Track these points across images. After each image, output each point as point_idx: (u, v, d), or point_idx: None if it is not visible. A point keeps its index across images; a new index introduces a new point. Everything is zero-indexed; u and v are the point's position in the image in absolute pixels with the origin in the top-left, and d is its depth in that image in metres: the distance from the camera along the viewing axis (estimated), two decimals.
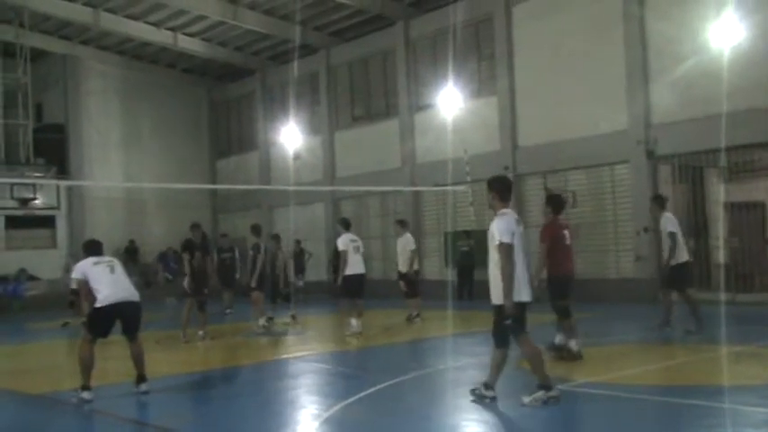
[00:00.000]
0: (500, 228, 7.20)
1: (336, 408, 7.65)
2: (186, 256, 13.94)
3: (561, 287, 9.88)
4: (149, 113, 30.31)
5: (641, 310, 16.64)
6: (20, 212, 26.83)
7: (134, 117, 29.91)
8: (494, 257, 7.27)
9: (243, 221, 29.29)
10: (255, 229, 16.14)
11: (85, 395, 8.39)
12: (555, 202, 10.33)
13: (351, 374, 10.25)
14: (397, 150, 24.26)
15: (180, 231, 25.87)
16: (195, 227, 14.49)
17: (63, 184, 27.09)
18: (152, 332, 13.93)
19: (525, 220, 20.77)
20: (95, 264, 8.91)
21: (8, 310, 23.94)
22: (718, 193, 18.90)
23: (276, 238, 18.47)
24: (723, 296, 15.07)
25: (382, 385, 8.67)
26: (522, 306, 7.23)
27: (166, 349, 13.03)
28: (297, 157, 26.53)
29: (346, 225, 14.45)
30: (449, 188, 20.49)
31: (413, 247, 15.78)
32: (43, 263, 26.04)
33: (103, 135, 28.95)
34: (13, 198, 26.47)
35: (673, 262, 11.92)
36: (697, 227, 19.09)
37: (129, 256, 27.72)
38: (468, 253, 20.99)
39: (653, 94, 18.15)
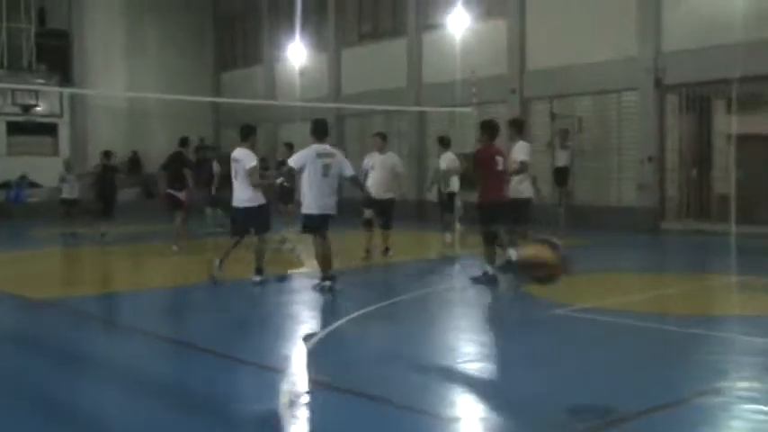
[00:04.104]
0: (294, 156, 9.74)
1: (338, 323, 7.77)
2: (189, 171, 14.07)
3: (487, 214, 9.90)
4: (154, 24, 29.82)
5: (641, 239, 16.78)
6: (21, 119, 26.70)
7: (138, 27, 29.42)
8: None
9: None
10: (288, 146, 15.55)
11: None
12: (490, 129, 10.17)
13: (351, 293, 10.35)
14: (404, 70, 23.98)
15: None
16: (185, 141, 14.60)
17: (66, 91, 26.85)
18: (153, 245, 14.08)
19: (532, 143, 20.77)
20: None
21: (9, 216, 24.02)
22: (725, 124, 18.80)
23: (107, 154, 17.70)
24: (732, 228, 14.91)
25: (383, 303, 8.79)
26: (314, 216, 9.36)
27: (165, 261, 13.17)
28: (302, 73, 26.23)
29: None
30: (455, 110, 20.32)
31: (401, 169, 13.62)
32: (44, 170, 25.96)
33: (107, 44, 28.51)
34: (14, 104, 26.31)
35: (518, 195, 10.66)
36: (701, 158, 19.07)
37: (132, 167, 27.75)
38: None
39: (664, 21, 17.82)
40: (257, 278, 9.99)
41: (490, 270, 9.80)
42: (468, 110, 19.10)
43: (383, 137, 13.59)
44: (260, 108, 26.66)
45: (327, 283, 9.39)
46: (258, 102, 27.03)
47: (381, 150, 13.11)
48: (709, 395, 5.24)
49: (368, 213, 12.87)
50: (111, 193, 16.91)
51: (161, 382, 5.93)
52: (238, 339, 7.18)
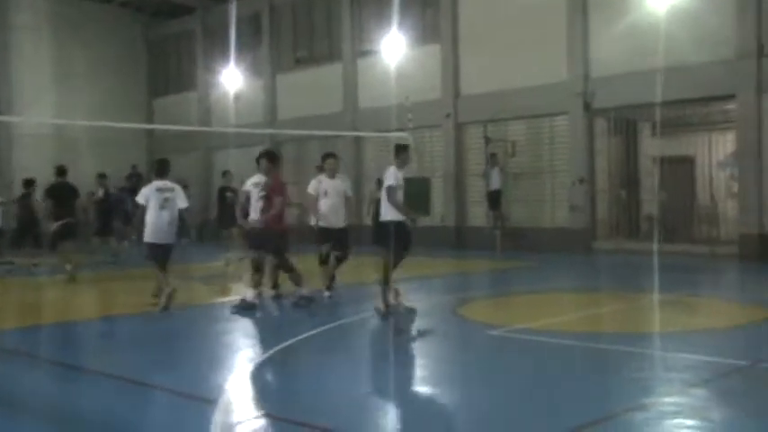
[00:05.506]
0: (140, 193, 10.61)
1: (273, 351, 7.74)
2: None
3: (277, 240, 10.59)
4: (83, 50, 29.32)
5: (574, 259, 17.14)
6: None
7: (67, 53, 28.87)
8: None
9: (180, 163, 28.81)
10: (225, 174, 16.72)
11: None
12: (276, 158, 11.06)
13: (288, 319, 10.32)
14: (340, 95, 24.13)
15: (113, 171, 25.35)
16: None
17: None
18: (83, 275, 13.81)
19: (466, 168, 21.15)
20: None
21: None
22: (650, 146, 19.42)
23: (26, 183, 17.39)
24: (654, 246, 15.41)
25: (320, 329, 8.79)
26: (152, 245, 10.43)
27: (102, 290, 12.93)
28: (237, 98, 26.15)
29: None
30: (390, 134, 20.49)
31: (351, 193, 12.10)
32: None
33: (34, 71, 27.94)
34: None
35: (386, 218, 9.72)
36: (629, 179, 19.64)
37: None
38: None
39: (592, 47, 18.40)
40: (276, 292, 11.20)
41: (249, 296, 10.37)
42: (403, 135, 19.27)
43: (336, 158, 11.64)
44: (194, 134, 26.52)
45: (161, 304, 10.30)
46: (192, 128, 26.87)
47: (333, 174, 11.31)
48: (635, 411, 5.38)
49: (325, 248, 11.28)
50: (29, 222, 16.58)
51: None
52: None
